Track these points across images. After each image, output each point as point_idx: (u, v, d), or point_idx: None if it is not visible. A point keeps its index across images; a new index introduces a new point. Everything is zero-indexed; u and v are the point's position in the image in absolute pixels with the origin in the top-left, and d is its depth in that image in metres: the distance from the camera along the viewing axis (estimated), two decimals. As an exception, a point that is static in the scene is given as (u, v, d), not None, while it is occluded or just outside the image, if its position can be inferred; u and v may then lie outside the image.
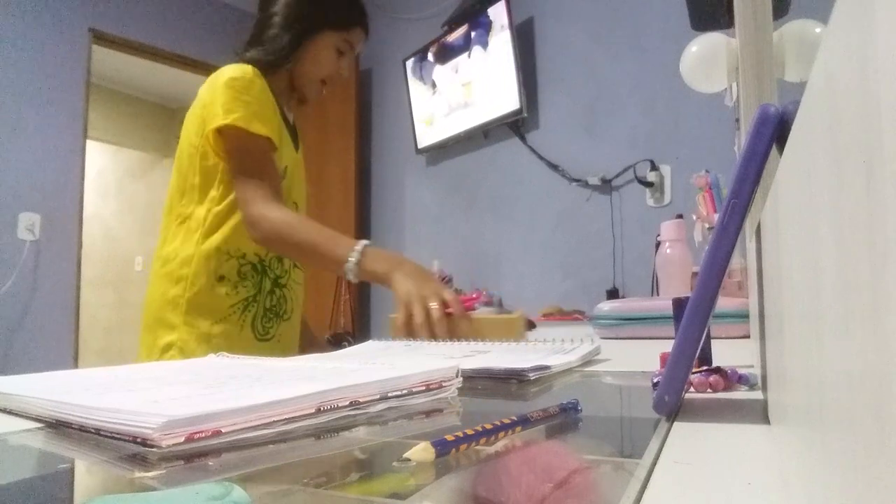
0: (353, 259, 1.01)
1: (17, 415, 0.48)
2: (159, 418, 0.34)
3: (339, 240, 1.06)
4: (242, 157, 1.13)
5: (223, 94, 1.11)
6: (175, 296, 1.16)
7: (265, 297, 1.20)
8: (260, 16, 1.26)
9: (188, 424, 0.35)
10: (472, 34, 3.10)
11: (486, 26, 3.01)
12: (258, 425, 0.39)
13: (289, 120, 1.28)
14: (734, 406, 0.45)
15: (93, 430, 0.39)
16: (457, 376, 0.53)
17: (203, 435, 0.36)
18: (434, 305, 0.94)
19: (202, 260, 1.15)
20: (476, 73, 3.09)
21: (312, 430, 0.41)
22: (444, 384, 0.52)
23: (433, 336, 0.92)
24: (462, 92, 3.16)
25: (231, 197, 1.15)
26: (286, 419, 0.40)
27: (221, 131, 1.11)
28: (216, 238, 1.16)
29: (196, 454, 0.35)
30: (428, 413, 0.48)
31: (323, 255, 1.05)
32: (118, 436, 0.37)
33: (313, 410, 0.42)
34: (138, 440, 0.35)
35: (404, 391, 0.49)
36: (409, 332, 0.94)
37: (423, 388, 0.50)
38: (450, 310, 0.94)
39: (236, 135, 1.11)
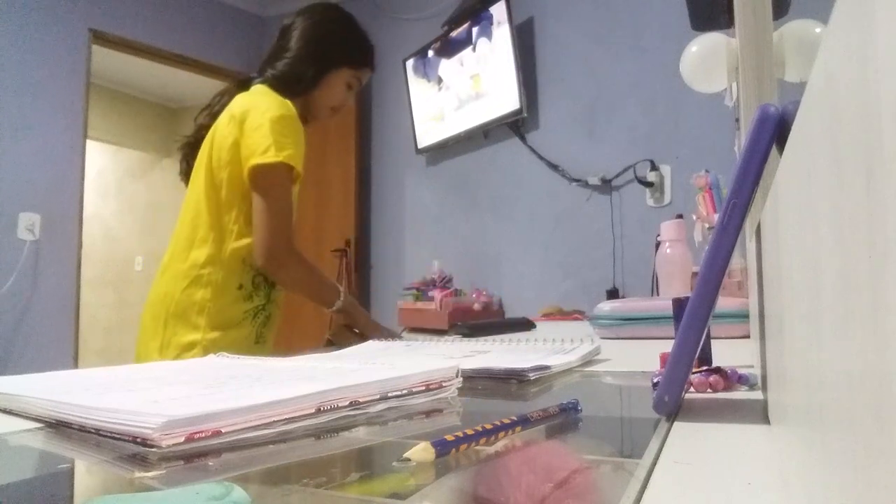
0: (338, 303, 1.28)
1: (17, 415, 0.48)
2: (159, 418, 0.34)
3: (332, 288, 1.30)
4: (283, 193, 1.22)
5: (274, 129, 1.19)
6: (202, 299, 1.24)
7: (272, 307, 1.32)
8: (281, 42, 1.37)
9: (188, 424, 0.35)
10: (474, 31, 3.10)
11: (486, 26, 3.01)
12: (258, 425, 0.39)
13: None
14: (734, 406, 0.45)
15: (93, 430, 0.40)
16: (457, 376, 0.53)
17: (203, 435, 0.36)
18: None
19: (230, 268, 1.25)
20: (482, 66, 3.09)
21: (313, 430, 0.41)
22: (444, 384, 0.52)
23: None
24: (471, 84, 3.15)
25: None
26: (286, 419, 0.40)
27: (269, 166, 1.19)
28: (242, 249, 1.25)
29: (196, 454, 0.35)
30: (428, 413, 0.48)
31: (319, 298, 1.30)
32: (118, 436, 0.37)
33: (313, 410, 0.42)
34: (138, 440, 0.35)
35: (404, 391, 0.49)
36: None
37: (423, 388, 0.50)
38: None
39: (282, 171, 1.20)
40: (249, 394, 0.45)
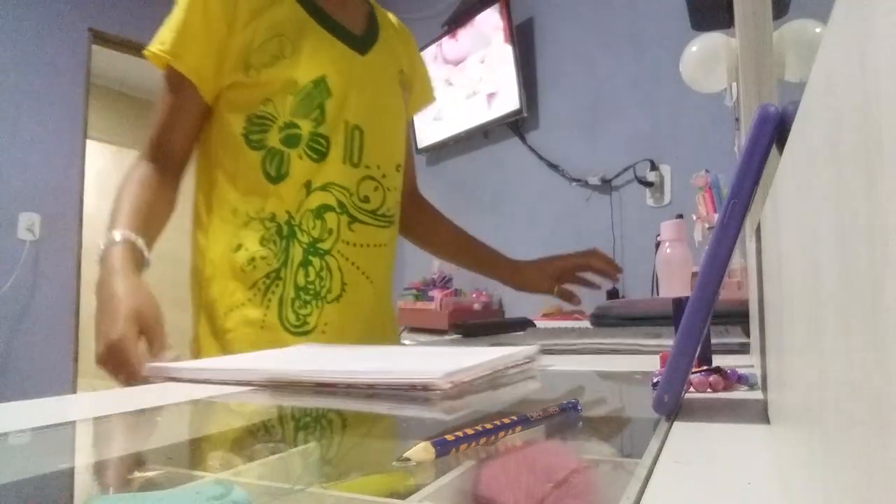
0: (101, 249, 0.83)
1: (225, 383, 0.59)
2: (440, 372, 0.51)
3: (115, 220, 0.87)
4: (157, 97, 0.94)
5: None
6: (193, 271, 0.96)
7: (294, 272, 0.91)
8: None
9: (451, 377, 0.52)
10: (474, 31, 3.09)
11: (486, 26, 3.00)
12: (484, 375, 0.59)
13: (325, 13, 0.97)
14: (734, 406, 0.45)
15: (364, 386, 0.55)
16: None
17: (458, 381, 0.54)
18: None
19: (218, 225, 0.93)
20: (482, 66, 3.09)
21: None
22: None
23: None
24: (471, 84, 3.15)
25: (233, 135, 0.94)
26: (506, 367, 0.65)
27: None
28: (231, 195, 0.92)
29: (455, 395, 0.52)
30: (426, 413, 0.48)
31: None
32: (396, 388, 0.53)
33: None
34: (419, 388, 0.51)
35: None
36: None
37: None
38: None
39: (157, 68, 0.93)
40: (453, 359, 0.62)
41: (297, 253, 0.91)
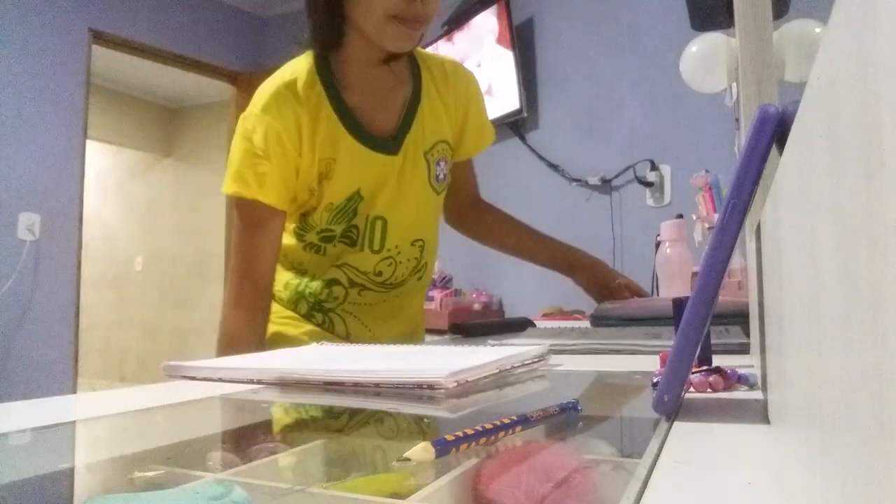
0: None
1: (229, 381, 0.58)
2: (444, 371, 0.51)
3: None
4: (235, 235, 1.03)
5: (233, 142, 1.00)
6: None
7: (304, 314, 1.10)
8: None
9: (456, 375, 0.52)
10: (474, 31, 3.09)
11: (486, 26, 3.01)
12: (490, 374, 0.59)
13: (361, 127, 1.02)
14: (734, 406, 0.45)
15: (372, 385, 0.55)
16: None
17: (463, 380, 0.53)
18: None
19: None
20: (482, 66, 3.09)
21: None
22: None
23: None
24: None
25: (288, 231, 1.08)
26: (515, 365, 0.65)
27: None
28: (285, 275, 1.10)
29: (460, 394, 0.52)
30: (426, 412, 0.48)
31: None
32: (402, 387, 0.53)
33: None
34: (425, 386, 0.52)
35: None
36: None
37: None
38: None
39: (235, 206, 1.02)
40: (460, 358, 0.63)
41: (302, 307, 1.08)
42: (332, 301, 1.07)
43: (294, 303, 1.08)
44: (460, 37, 3.17)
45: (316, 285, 1.07)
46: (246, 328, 0.99)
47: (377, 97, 1.05)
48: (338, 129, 1.00)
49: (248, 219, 1.00)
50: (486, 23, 2.99)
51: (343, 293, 1.07)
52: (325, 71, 1.01)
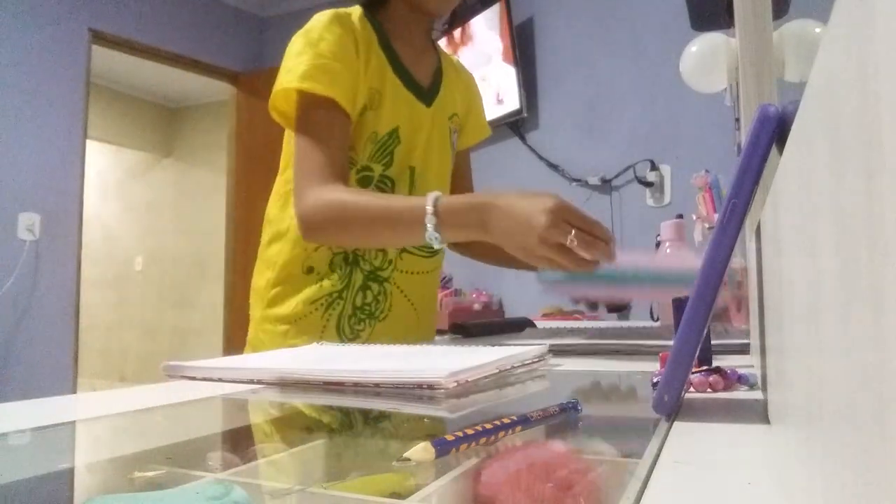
0: (430, 226, 0.83)
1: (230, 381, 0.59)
2: (444, 371, 0.51)
3: (404, 206, 0.89)
4: (304, 127, 0.96)
5: (289, 51, 0.98)
6: (266, 284, 1.04)
7: (354, 294, 1.03)
8: None
9: (456, 375, 0.52)
10: (473, 31, 3.09)
11: (486, 26, 3.01)
12: (490, 374, 0.59)
13: (406, 69, 1.07)
14: (734, 406, 0.45)
15: (371, 385, 0.55)
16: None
17: (463, 380, 0.54)
18: (571, 239, 0.74)
19: (295, 244, 1.02)
20: (482, 66, 3.09)
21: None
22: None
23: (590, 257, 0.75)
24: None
25: None
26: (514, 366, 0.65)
27: (279, 97, 0.98)
28: None
29: (460, 394, 0.52)
30: (426, 412, 0.48)
31: (390, 232, 0.91)
32: (401, 387, 0.53)
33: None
34: (425, 386, 0.52)
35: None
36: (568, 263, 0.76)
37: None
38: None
39: (294, 99, 0.97)
40: (460, 358, 0.63)
41: (357, 279, 1.03)
42: (386, 265, 1.04)
43: (343, 281, 1.01)
44: (465, 51, 3.16)
45: (370, 252, 1.03)
46: (349, 193, 0.93)
47: (416, 53, 1.10)
48: (384, 65, 1.03)
49: (320, 121, 0.95)
50: (490, 19, 2.98)
51: (394, 252, 1.05)
52: (373, 19, 1.05)
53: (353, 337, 1.03)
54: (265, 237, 1.08)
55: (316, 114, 0.96)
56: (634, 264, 0.87)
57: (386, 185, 1.05)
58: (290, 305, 1.01)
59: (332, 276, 1.01)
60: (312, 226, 0.92)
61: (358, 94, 0.99)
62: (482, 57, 3.04)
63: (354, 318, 1.02)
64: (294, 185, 0.95)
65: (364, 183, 1.02)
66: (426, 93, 1.10)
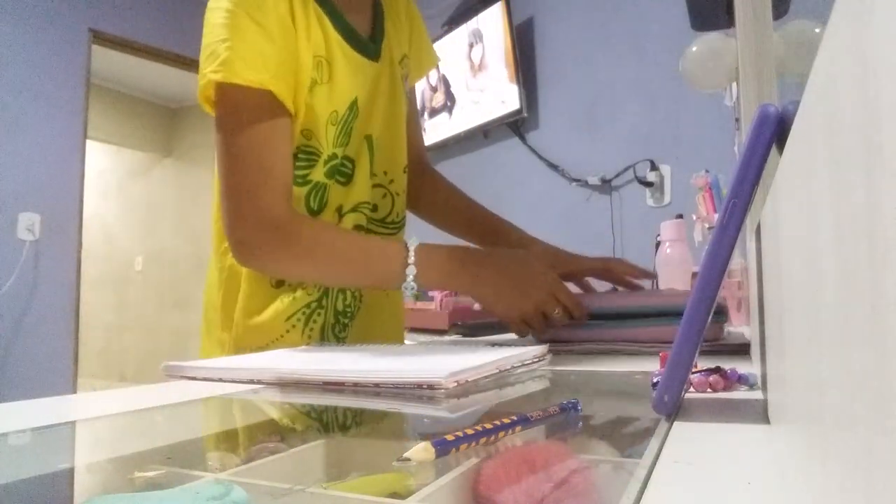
0: (409, 276, 0.78)
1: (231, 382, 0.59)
2: (444, 371, 0.51)
3: (380, 250, 0.82)
4: (225, 125, 0.80)
5: (205, 35, 0.83)
6: (225, 302, 0.91)
7: (334, 299, 0.90)
8: None
9: (456, 375, 0.52)
10: (474, 31, 3.09)
11: (486, 26, 3.00)
12: (492, 373, 0.59)
13: (346, 22, 0.89)
14: (734, 406, 0.45)
15: (371, 385, 0.54)
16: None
17: (463, 380, 0.53)
18: (554, 314, 0.79)
19: None
20: (482, 65, 3.09)
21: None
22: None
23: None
24: (471, 84, 3.15)
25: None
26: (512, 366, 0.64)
27: (203, 93, 0.82)
28: None
29: (460, 394, 0.52)
30: (427, 411, 0.48)
31: (361, 274, 0.83)
32: (402, 387, 0.52)
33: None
34: (425, 386, 0.51)
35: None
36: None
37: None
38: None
39: (221, 96, 0.80)
40: (460, 358, 0.62)
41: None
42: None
43: (320, 288, 0.90)
44: (463, 34, 3.17)
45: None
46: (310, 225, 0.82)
47: None
48: (326, 25, 0.86)
49: (252, 113, 0.79)
50: (491, 19, 2.98)
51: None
52: None
53: (338, 343, 0.92)
54: (219, 243, 0.92)
55: (247, 109, 0.79)
56: (614, 304, 0.85)
57: (346, 167, 0.90)
58: (261, 326, 0.86)
59: (305, 285, 0.88)
60: (259, 253, 0.80)
61: (301, 71, 0.82)
62: (482, 56, 3.04)
63: (338, 326, 0.91)
64: (227, 200, 0.79)
65: (330, 174, 0.88)
66: (369, 44, 0.93)
